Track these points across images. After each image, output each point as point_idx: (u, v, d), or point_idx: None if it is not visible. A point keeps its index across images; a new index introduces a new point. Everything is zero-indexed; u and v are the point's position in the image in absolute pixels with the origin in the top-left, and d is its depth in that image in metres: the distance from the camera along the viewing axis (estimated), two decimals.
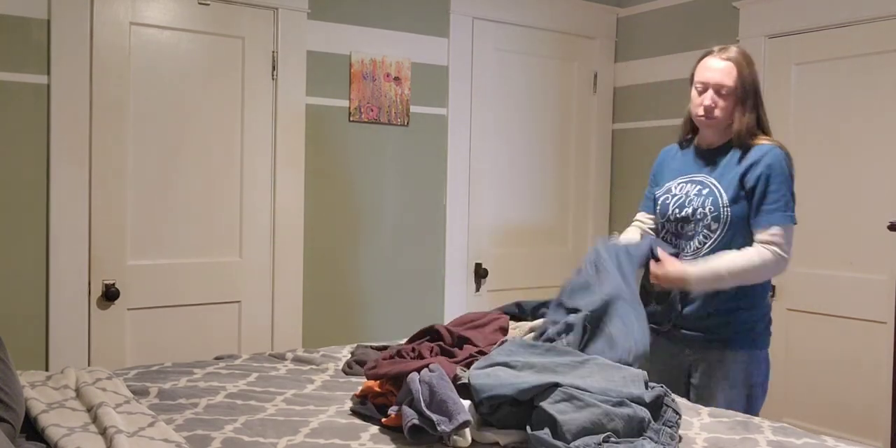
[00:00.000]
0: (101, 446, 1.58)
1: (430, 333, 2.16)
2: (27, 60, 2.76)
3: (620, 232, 2.55)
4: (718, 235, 2.24)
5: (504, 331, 2.23)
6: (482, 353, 2.07)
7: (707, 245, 2.25)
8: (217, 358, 2.52)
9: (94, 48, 2.87)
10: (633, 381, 1.75)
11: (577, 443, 1.56)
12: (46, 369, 2.78)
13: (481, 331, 2.19)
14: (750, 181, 2.20)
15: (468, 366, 1.98)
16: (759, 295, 2.29)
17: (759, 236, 2.19)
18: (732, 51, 2.28)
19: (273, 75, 3.23)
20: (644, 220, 2.51)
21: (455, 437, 1.66)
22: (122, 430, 1.62)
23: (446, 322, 2.62)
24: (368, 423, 1.84)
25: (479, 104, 3.77)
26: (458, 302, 3.72)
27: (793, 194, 2.22)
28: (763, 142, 2.25)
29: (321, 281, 3.38)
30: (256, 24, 3.19)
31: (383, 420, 1.80)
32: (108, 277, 2.92)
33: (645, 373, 1.80)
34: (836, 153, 3.29)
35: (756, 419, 1.95)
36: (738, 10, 3.59)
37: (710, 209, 2.23)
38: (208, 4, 3.08)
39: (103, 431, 1.63)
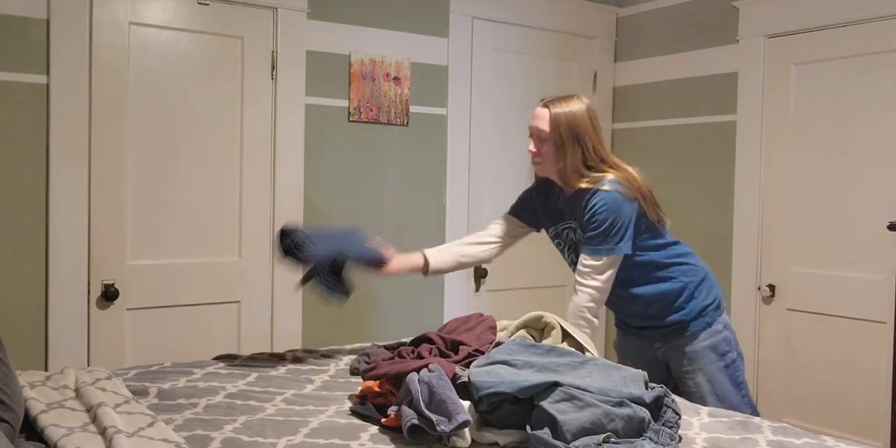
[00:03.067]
0: (101, 446, 1.58)
1: (424, 341, 2.16)
2: (26, 60, 2.75)
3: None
4: None
5: (494, 330, 2.23)
6: (479, 351, 2.07)
7: None
8: (216, 358, 2.52)
9: (94, 48, 2.87)
10: (633, 381, 1.75)
11: (576, 443, 1.55)
12: (46, 369, 2.78)
13: (473, 332, 2.19)
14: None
15: (467, 365, 1.98)
16: (690, 285, 2.42)
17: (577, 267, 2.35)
18: (557, 96, 2.37)
19: (272, 75, 3.23)
20: (503, 224, 2.59)
21: (454, 437, 1.66)
22: (121, 430, 1.62)
23: (446, 321, 2.62)
24: (368, 424, 1.84)
25: (478, 104, 3.77)
26: (457, 302, 3.72)
27: (616, 227, 2.28)
28: (587, 185, 2.31)
29: None
30: (256, 24, 3.19)
31: (383, 420, 1.80)
32: (108, 277, 2.92)
33: (645, 373, 1.80)
34: (836, 153, 3.29)
35: (756, 419, 1.95)
36: (738, 9, 3.59)
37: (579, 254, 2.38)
38: (207, 4, 3.08)
39: (103, 431, 1.63)
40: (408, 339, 2.34)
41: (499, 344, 2.08)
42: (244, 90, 3.18)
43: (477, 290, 3.82)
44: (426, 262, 2.48)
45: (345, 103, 3.41)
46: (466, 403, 1.74)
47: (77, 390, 1.90)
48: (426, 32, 3.61)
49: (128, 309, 2.97)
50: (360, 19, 3.42)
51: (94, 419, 1.71)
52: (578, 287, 2.34)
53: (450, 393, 1.70)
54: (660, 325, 2.46)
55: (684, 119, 3.85)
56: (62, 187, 2.82)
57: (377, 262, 2.38)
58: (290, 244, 2.28)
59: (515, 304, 3.71)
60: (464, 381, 1.79)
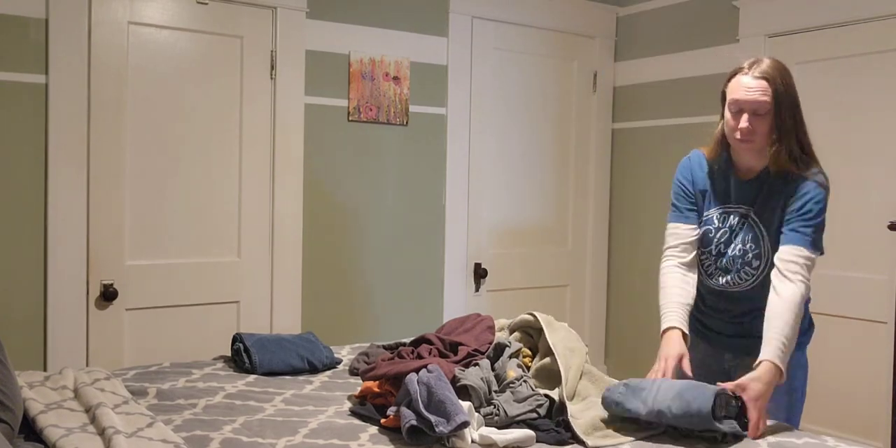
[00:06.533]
0: (100, 447, 1.58)
1: (423, 342, 2.15)
2: (25, 60, 2.75)
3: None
4: (760, 272, 2.13)
5: (492, 330, 2.22)
6: (479, 351, 2.07)
7: (748, 282, 2.14)
8: (216, 358, 2.52)
9: (92, 48, 2.86)
10: None
11: None
12: (44, 370, 2.77)
13: (471, 332, 2.18)
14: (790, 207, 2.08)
15: (466, 366, 1.98)
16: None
17: (784, 250, 2.04)
18: (765, 64, 2.11)
19: (272, 75, 3.23)
20: (684, 234, 2.22)
21: (453, 438, 1.66)
22: (120, 430, 1.62)
23: (445, 321, 2.62)
24: (367, 424, 1.84)
25: (478, 104, 3.76)
26: (457, 302, 3.72)
27: (822, 227, 2.09)
28: (805, 174, 2.08)
29: (320, 281, 3.37)
30: (255, 24, 3.18)
31: (382, 421, 1.80)
32: (107, 277, 2.92)
33: None
34: (836, 153, 3.28)
35: None
36: (738, 9, 3.59)
37: (750, 246, 2.11)
38: (206, 3, 3.08)
39: (102, 432, 1.63)
40: (407, 340, 2.34)
41: (498, 344, 2.08)
42: (243, 90, 3.18)
43: (477, 290, 3.81)
44: (684, 334, 2.19)
45: (344, 103, 3.40)
46: (466, 404, 1.74)
47: (76, 391, 1.90)
48: (426, 32, 3.60)
49: (127, 309, 2.96)
50: (359, 19, 3.42)
51: (93, 420, 1.70)
52: (795, 277, 2.00)
53: (448, 394, 1.70)
54: (749, 335, 2.14)
55: (684, 119, 3.85)
56: (61, 187, 2.81)
57: None
58: None
59: (515, 305, 3.71)
60: (463, 384, 1.79)
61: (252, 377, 2.26)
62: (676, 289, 2.16)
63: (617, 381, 2.00)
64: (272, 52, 3.22)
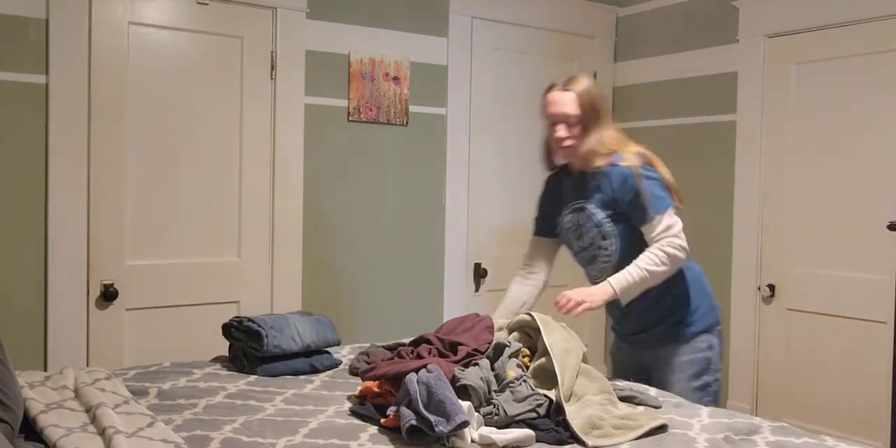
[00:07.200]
0: (100, 447, 1.58)
1: (422, 342, 2.15)
2: (25, 60, 2.75)
3: None
4: (613, 253, 2.37)
5: (491, 330, 2.22)
6: (478, 351, 2.07)
7: (608, 265, 2.39)
8: (216, 358, 2.52)
9: (93, 48, 2.86)
10: None
11: None
12: (45, 370, 2.77)
13: (470, 332, 2.18)
14: (618, 205, 2.32)
15: (466, 365, 1.98)
16: (681, 284, 2.38)
17: (649, 234, 2.28)
18: (572, 81, 2.40)
19: (272, 75, 3.23)
20: (531, 244, 2.66)
21: (453, 437, 1.66)
22: (120, 430, 1.62)
23: (444, 321, 2.62)
24: (367, 424, 1.84)
25: (478, 104, 3.76)
26: (457, 302, 3.72)
27: (664, 187, 2.31)
28: (609, 164, 2.33)
29: (320, 281, 3.38)
30: (255, 24, 3.19)
31: (382, 421, 1.80)
32: (107, 277, 2.92)
33: None
34: (836, 153, 3.28)
35: (756, 419, 1.95)
36: (738, 9, 3.59)
37: (595, 232, 2.37)
38: (207, 4, 3.08)
39: (102, 432, 1.63)
40: (407, 340, 2.34)
41: (497, 344, 2.08)
42: (243, 90, 3.18)
43: (476, 289, 3.81)
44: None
45: (344, 103, 3.40)
46: (465, 404, 1.74)
47: (76, 391, 1.90)
48: (426, 32, 3.60)
49: (127, 309, 2.96)
50: (359, 19, 3.42)
51: (94, 419, 1.70)
52: (655, 246, 2.25)
53: (448, 394, 1.70)
54: (651, 328, 2.42)
55: (684, 119, 3.85)
56: (61, 187, 2.81)
57: None
58: None
59: None
60: (463, 383, 1.79)
61: (253, 377, 2.26)
62: (508, 297, 2.59)
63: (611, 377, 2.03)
64: (272, 52, 3.22)
